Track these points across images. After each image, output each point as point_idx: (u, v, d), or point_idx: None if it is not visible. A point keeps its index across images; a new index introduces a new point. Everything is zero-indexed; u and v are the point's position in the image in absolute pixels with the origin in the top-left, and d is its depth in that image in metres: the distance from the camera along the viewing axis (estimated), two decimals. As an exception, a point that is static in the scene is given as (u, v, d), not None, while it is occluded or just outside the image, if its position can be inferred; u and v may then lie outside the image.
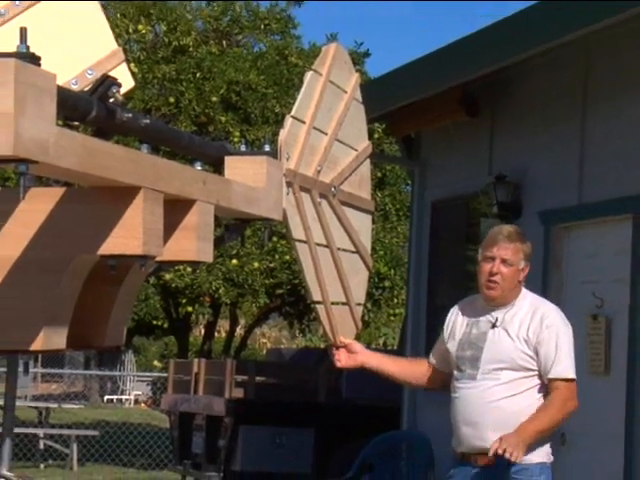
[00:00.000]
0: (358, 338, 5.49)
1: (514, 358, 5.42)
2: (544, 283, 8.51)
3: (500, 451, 5.14)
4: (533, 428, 5.30)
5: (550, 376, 5.37)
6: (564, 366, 5.42)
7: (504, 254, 5.47)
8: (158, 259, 2.92)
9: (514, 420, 5.37)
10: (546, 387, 5.43)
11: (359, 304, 5.43)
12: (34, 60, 2.44)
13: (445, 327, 5.69)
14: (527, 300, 5.55)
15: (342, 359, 5.33)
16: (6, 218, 2.83)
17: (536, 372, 5.42)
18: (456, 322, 5.64)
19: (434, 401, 8.20)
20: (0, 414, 3.67)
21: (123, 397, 35.41)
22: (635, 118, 8.10)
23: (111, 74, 3.21)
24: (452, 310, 5.72)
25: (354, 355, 5.36)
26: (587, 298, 8.32)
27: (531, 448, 5.38)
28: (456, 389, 5.54)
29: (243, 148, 3.88)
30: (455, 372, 5.56)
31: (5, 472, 3.20)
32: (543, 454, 5.44)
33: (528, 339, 5.42)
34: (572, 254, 8.77)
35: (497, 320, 5.49)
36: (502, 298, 5.48)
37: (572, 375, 5.42)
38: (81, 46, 3.52)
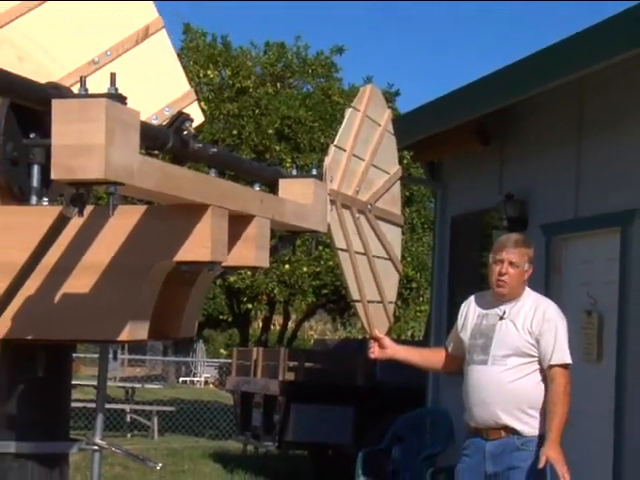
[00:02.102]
0: (390, 331, 5.48)
1: (519, 346, 5.41)
2: (546, 285, 8.47)
3: (542, 465, 5.21)
4: (556, 428, 5.29)
5: (551, 362, 5.35)
6: (562, 353, 5.41)
7: (511, 257, 5.46)
8: (223, 265, 2.92)
9: (519, 399, 5.36)
10: (544, 371, 5.40)
11: (391, 302, 5.42)
12: (121, 100, 2.45)
13: (459, 318, 5.68)
14: (530, 297, 5.54)
15: (375, 351, 5.34)
16: (99, 230, 2.84)
17: (537, 358, 5.41)
18: (468, 314, 5.62)
19: (454, 383, 8.17)
20: (94, 393, 3.69)
21: (195, 379, 35.53)
22: (623, 146, 8.07)
23: (185, 111, 3.22)
24: (465, 303, 5.71)
25: (384, 349, 5.36)
26: (582, 297, 8.29)
27: (532, 425, 5.38)
28: (468, 372, 5.52)
29: (294, 172, 3.88)
30: (467, 358, 5.54)
31: (98, 440, 3.21)
32: (540, 427, 5.42)
33: (531, 330, 5.40)
34: (569, 260, 8.74)
35: (505, 313, 5.47)
36: (509, 294, 5.47)
37: (569, 360, 5.41)
38: (160, 88, 3.54)
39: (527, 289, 5.55)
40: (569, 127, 8.76)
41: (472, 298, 5.70)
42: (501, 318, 5.47)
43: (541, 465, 5.19)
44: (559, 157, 8.88)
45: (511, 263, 5.44)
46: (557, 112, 8.92)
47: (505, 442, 5.39)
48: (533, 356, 5.40)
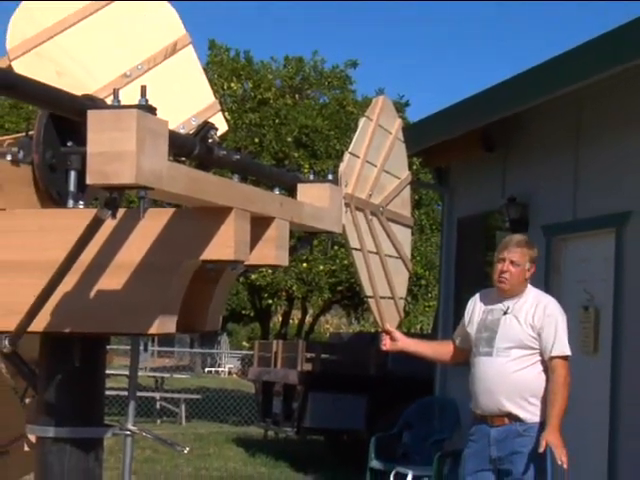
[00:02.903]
0: (400, 325, 5.47)
1: (522, 339, 5.40)
2: (546, 282, 8.45)
3: (543, 450, 5.18)
4: (556, 415, 5.29)
5: (552, 354, 5.35)
6: (562, 346, 5.40)
7: (512, 257, 5.46)
8: (246, 263, 2.93)
9: (522, 388, 5.34)
10: (545, 362, 5.40)
11: (401, 298, 5.41)
12: (151, 110, 2.46)
13: (466, 313, 5.67)
14: (532, 294, 5.53)
15: (387, 344, 5.33)
16: (131, 231, 2.85)
17: (538, 351, 5.40)
18: (474, 310, 5.62)
19: (460, 373, 8.16)
20: (126, 382, 3.70)
21: (219, 369, 35.54)
22: (617, 153, 8.05)
23: (210, 121, 3.23)
24: (471, 300, 5.71)
25: (395, 342, 5.35)
26: (580, 294, 8.27)
27: (533, 412, 5.36)
28: (475, 364, 5.52)
29: (311, 177, 3.87)
30: (474, 349, 5.53)
31: (130, 426, 3.22)
32: (541, 414, 5.41)
33: (533, 324, 5.39)
34: (568, 259, 8.71)
35: (508, 308, 5.47)
36: (511, 291, 5.46)
37: (568, 352, 5.41)
38: (187, 100, 3.55)
39: (529, 286, 5.55)
40: (568, 135, 8.73)
41: (478, 295, 5.70)
42: (505, 313, 5.47)
43: (541, 450, 5.18)
44: (558, 163, 8.86)
45: (512, 262, 5.44)
46: (557, 121, 8.89)
47: (508, 428, 5.38)
48: (534, 348, 5.39)
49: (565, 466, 5.16)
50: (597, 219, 8.19)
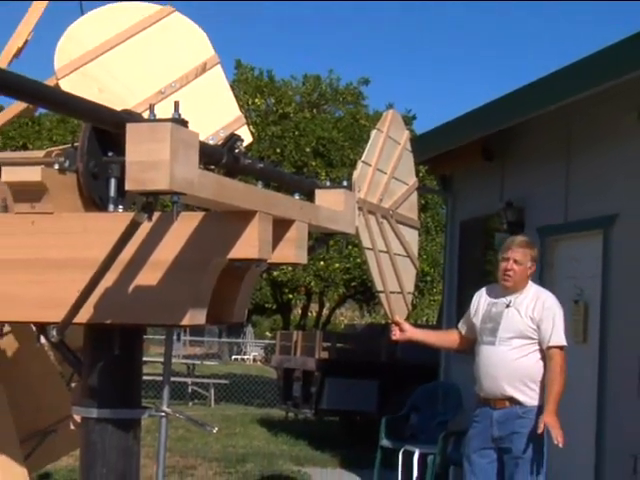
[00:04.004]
0: (408, 317, 5.47)
1: (522, 330, 5.38)
2: (540, 278, 8.41)
3: (541, 431, 5.14)
4: (553, 400, 5.27)
5: (550, 344, 5.33)
6: (559, 337, 5.38)
7: (515, 256, 5.44)
8: (268, 261, 2.93)
9: (522, 374, 5.33)
10: (543, 352, 5.38)
11: (409, 293, 5.40)
12: (184, 123, 2.46)
13: (472, 306, 5.66)
14: (533, 289, 5.51)
15: (396, 334, 5.32)
16: (165, 232, 2.85)
17: (537, 340, 5.38)
18: (480, 303, 5.60)
19: (462, 360, 8.14)
20: (161, 368, 3.70)
21: (245, 357, 35.58)
22: (604, 162, 8.03)
23: (236, 133, 3.23)
24: (477, 293, 5.69)
25: (404, 332, 5.35)
26: (571, 289, 8.24)
27: (532, 396, 5.34)
28: (479, 351, 5.50)
29: (328, 183, 3.87)
30: (478, 339, 5.52)
31: (165, 408, 3.22)
32: (539, 398, 5.39)
33: (533, 317, 5.38)
34: (560, 258, 8.68)
35: (510, 302, 5.45)
36: (514, 287, 5.44)
37: (564, 342, 5.39)
38: (216, 114, 3.55)
39: (530, 282, 5.53)
40: (559, 146, 8.70)
41: (483, 290, 5.68)
42: (507, 306, 5.45)
43: (540, 431, 5.16)
44: (551, 171, 8.82)
45: (515, 261, 5.42)
46: (549, 133, 8.86)
47: (509, 411, 5.36)
48: (534, 338, 5.37)
49: (561, 445, 5.14)
50: (586, 221, 8.16)
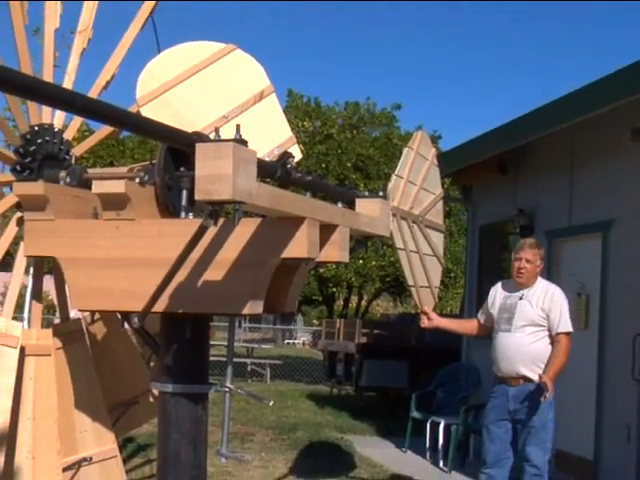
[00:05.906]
0: (435, 307, 5.45)
1: (534, 319, 5.33)
2: (548, 274, 8.32)
3: (541, 383, 5.06)
4: (554, 370, 5.21)
5: (558, 330, 5.30)
6: (565, 324, 5.35)
7: (527, 256, 5.40)
8: (316, 260, 2.92)
9: (533, 357, 5.29)
10: (552, 337, 5.34)
11: (436, 287, 5.38)
12: (244, 143, 2.46)
13: (489, 298, 5.62)
14: (542, 284, 5.47)
15: (425, 322, 5.32)
16: (228, 235, 2.86)
17: (546, 327, 5.33)
18: (496, 295, 5.56)
19: (480, 345, 8.07)
20: (225, 350, 3.71)
21: (295, 341, 35.58)
22: (603, 174, 7.93)
23: (288, 151, 3.23)
24: (494, 287, 5.66)
25: (432, 320, 5.33)
26: (574, 283, 8.14)
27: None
28: (496, 337, 5.46)
29: (366, 194, 3.86)
30: (495, 327, 5.48)
31: (228, 384, 3.23)
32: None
33: (543, 307, 5.34)
34: (565, 257, 8.58)
35: (523, 295, 5.41)
36: (526, 282, 5.40)
37: (570, 329, 5.36)
38: (271, 135, 3.55)
39: (539, 278, 5.50)
40: (564, 160, 8.61)
41: (499, 284, 5.64)
42: (520, 299, 5.42)
43: (543, 379, 5.08)
44: (557, 182, 8.72)
45: (527, 260, 5.39)
46: (556, 150, 8.76)
47: (523, 387, 5.32)
48: (543, 326, 5.34)
49: (544, 400, 5.06)
50: (588, 225, 8.06)
